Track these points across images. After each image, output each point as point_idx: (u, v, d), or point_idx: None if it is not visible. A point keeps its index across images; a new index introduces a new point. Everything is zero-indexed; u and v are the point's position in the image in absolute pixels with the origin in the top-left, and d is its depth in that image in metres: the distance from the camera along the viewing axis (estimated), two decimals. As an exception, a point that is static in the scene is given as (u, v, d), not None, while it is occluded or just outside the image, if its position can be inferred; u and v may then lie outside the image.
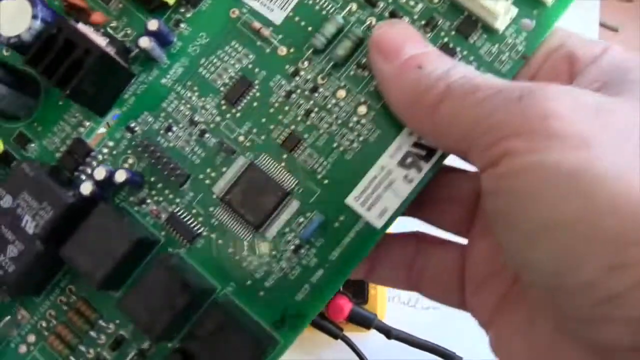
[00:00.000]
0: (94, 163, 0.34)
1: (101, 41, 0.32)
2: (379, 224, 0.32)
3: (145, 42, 0.33)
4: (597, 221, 0.21)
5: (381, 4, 0.34)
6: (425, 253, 0.36)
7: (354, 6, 0.34)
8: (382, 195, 0.32)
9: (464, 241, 0.35)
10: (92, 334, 0.34)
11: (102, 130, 0.35)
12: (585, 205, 0.21)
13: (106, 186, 0.33)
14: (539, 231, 0.23)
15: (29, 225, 0.32)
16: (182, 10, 0.35)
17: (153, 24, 0.33)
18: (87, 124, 0.35)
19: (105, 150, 0.35)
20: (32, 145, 0.35)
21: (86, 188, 0.32)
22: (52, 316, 0.34)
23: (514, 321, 0.30)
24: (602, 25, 0.60)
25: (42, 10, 0.32)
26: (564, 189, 0.22)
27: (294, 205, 0.33)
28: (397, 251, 0.36)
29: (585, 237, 0.21)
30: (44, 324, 0.34)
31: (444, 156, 0.32)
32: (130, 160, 0.34)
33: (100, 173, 0.33)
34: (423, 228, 0.37)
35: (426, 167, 0.32)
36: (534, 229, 0.23)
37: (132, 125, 0.34)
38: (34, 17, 0.32)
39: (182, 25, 0.35)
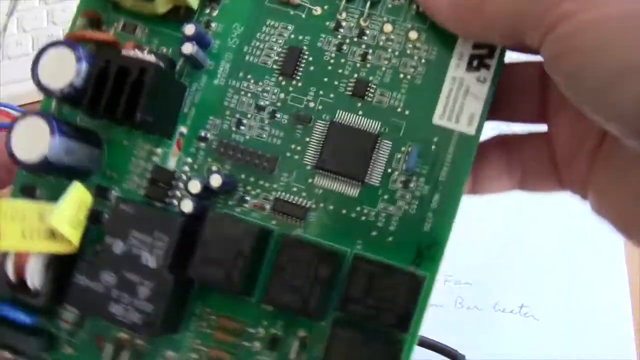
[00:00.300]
0: (181, 184, 0.34)
1: (151, 58, 0.32)
2: (471, 130, 0.32)
3: (188, 48, 0.33)
4: None
5: None
6: (515, 151, 0.36)
7: (366, -55, 0.34)
8: (463, 103, 0.32)
9: (544, 127, 0.36)
10: (246, 344, 0.33)
11: (175, 149, 0.34)
12: None
13: (204, 197, 0.33)
14: (616, 77, 0.23)
15: (150, 261, 0.31)
16: (207, 10, 0.35)
17: (189, 29, 0.33)
18: (159, 150, 0.35)
19: (186, 168, 0.34)
20: (114, 192, 0.35)
21: (187, 206, 0.32)
22: (200, 344, 0.34)
23: (608, 175, 0.31)
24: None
25: (83, 52, 0.32)
26: (633, 34, 0.23)
27: (386, 145, 0.33)
28: (491, 159, 0.36)
29: None
30: (195, 356, 0.34)
31: (504, 49, 0.32)
32: (214, 167, 0.34)
33: (195, 186, 0.32)
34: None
35: (493, 62, 0.32)
36: (610, 77, 0.24)
37: (203, 134, 0.34)
38: (78, 59, 0.32)
39: (213, 24, 0.35)
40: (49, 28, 0.70)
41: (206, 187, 0.32)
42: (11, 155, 0.31)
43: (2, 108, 0.53)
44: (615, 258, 0.65)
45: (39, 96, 0.33)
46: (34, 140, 0.31)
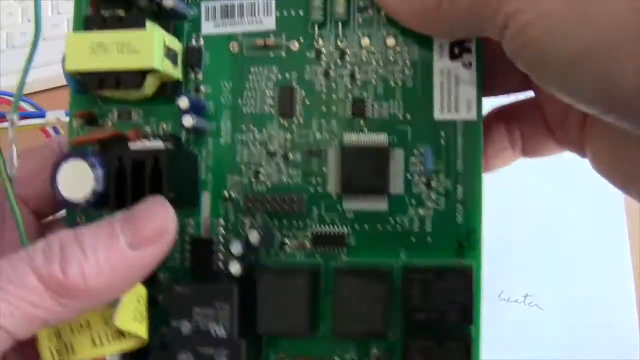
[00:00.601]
0: (221, 247, 0.35)
1: (158, 144, 0.33)
2: (472, 115, 0.34)
3: (188, 120, 0.34)
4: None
5: (340, -49, 0.35)
6: (513, 121, 0.38)
7: (320, -31, 0.35)
8: (457, 92, 0.34)
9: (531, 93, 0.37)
10: (327, 378, 0.35)
11: (205, 216, 0.36)
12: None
13: (248, 254, 0.34)
14: (572, 64, 0.25)
15: (219, 331, 0.33)
16: (192, 76, 0.36)
17: (184, 102, 0.34)
18: (190, 221, 0.36)
19: (221, 230, 0.36)
20: (160, 275, 0.36)
21: (235, 268, 0.34)
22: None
23: (599, 135, 0.33)
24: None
25: (95, 159, 0.33)
26: (579, 22, 0.24)
27: (398, 153, 0.34)
28: (493, 134, 0.38)
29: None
30: (282, 398, 0.35)
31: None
32: (247, 222, 0.35)
33: (236, 248, 0.34)
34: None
35: (472, 45, 0.33)
36: (567, 64, 0.25)
37: (226, 194, 0.36)
38: (93, 166, 0.33)
39: (202, 87, 0.36)
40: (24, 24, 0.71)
41: (247, 245, 0.34)
42: (62, 199, 0.33)
43: (4, 96, 0.54)
44: (619, 247, 0.65)
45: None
46: (78, 181, 0.33)
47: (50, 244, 0.29)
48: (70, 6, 0.62)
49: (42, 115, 0.52)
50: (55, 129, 0.55)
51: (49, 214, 0.39)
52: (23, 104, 0.53)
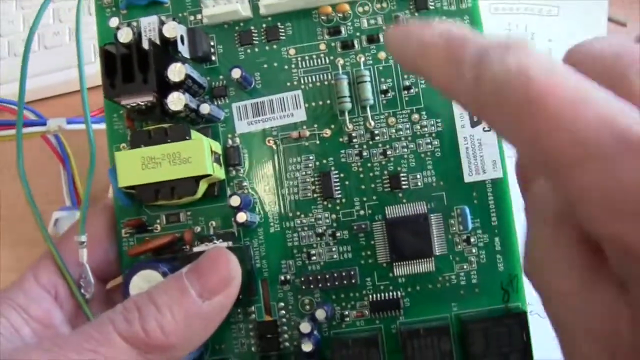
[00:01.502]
0: (286, 328, 0.38)
1: (221, 244, 0.36)
2: (499, 174, 0.38)
3: (242, 217, 0.37)
4: None
5: (355, 41, 0.38)
6: None
7: (339, 60, 0.38)
8: (482, 155, 0.38)
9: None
10: None
11: (265, 301, 0.38)
12: None
13: (316, 330, 0.37)
14: None
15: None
16: (234, 173, 0.39)
17: (235, 200, 0.37)
18: (252, 309, 0.38)
19: (283, 313, 0.38)
20: (231, 360, 0.38)
21: (307, 346, 0.36)
22: None
23: None
24: (611, 19, 0.60)
25: (163, 265, 0.35)
26: None
27: (438, 217, 0.38)
28: None
29: None
30: None
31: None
32: (307, 301, 0.38)
33: (306, 327, 0.36)
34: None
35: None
36: None
37: (283, 278, 0.38)
38: (164, 274, 0.35)
39: (245, 183, 0.39)
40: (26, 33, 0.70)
41: (314, 322, 0.36)
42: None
43: (5, 104, 0.54)
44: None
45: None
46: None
47: (128, 307, 0.31)
48: (71, 15, 0.63)
49: (44, 123, 0.52)
50: (56, 137, 0.55)
51: (113, 277, 0.40)
52: (24, 112, 0.53)
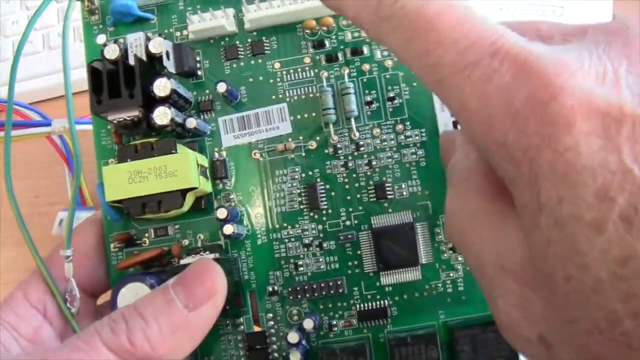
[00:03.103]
0: (274, 339, 0.38)
1: (208, 255, 0.36)
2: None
3: (228, 229, 0.37)
4: None
5: (339, 54, 0.39)
6: None
7: (324, 72, 0.39)
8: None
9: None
10: None
11: (254, 312, 0.38)
12: None
13: (304, 340, 0.37)
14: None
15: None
16: (221, 186, 0.39)
17: (222, 213, 0.37)
18: (241, 320, 0.38)
19: (271, 323, 0.38)
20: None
21: (295, 357, 0.36)
22: None
23: None
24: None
25: (151, 277, 0.35)
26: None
27: (423, 226, 0.38)
28: None
29: None
30: None
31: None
32: (295, 311, 0.38)
33: (293, 337, 0.37)
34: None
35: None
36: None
37: (270, 289, 0.38)
38: (151, 287, 0.35)
39: (232, 196, 0.39)
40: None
41: (302, 332, 0.37)
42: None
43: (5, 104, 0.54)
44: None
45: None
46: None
47: (114, 318, 0.31)
48: (76, 15, 0.63)
49: (48, 124, 0.52)
50: (61, 137, 0.55)
51: (103, 292, 0.41)
52: (29, 113, 0.53)
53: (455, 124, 0.38)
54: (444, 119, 0.38)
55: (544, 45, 0.22)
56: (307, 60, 0.39)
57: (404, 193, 0.38)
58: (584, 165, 0.19)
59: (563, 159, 0.19)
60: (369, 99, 0.39)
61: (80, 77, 0.38)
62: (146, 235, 0.39)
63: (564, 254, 0.20)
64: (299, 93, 0.39)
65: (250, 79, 0.40)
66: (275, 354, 0.38)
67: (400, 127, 0.38)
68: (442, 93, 0.24)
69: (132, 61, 0.37)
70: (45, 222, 0.55)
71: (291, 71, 0.39)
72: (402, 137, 0.38)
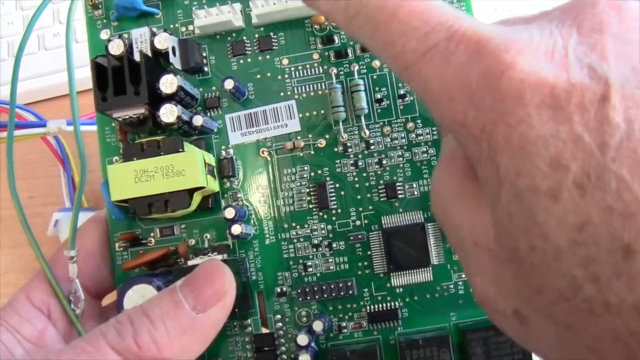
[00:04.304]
0: (283, 340, 0.37)
1: (216, 256, 0.35)
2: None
3: (236, 229, 0.36)
4: None
5: (349, 50, 0.38)
6: None
7: (333, 69, 0.38)
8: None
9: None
10: None
11: (262, 313, 0.38)
12: None
13: (313, 342, 0.36)
14: None
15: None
16: (228, 185, 0.38)
17: (230, 212, 0.36)
18: (249, 321, 0.38)
19: (280, 325, 0.38)
20: (224, 376, 0.38)
21: (305, 359, 0.36)
22: None
23: None
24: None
25: (157, 279, 0.35)
26: None
27: (435, 226, 0.37)
28: None
29: None
30: None
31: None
32: (304, 313, 0.38)
33: (303, 339, 0.36)
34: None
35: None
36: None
37: (279, 290, 0.38)
38: (158, 288, 0.34)
39: (239, 195, 0.38)
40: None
41: (311, 334, 0.36)
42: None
43: (4, 105, 0.54)
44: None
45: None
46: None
47: (121, 320, 0.31)
48: (76, 15, 0.62)
49: (43, 125, 0.52)
50: (56, 138, 0.55)
51: (108, 292, 0.40)
52: (24, 113, 0.53)
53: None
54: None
55: (497, 26, 0.23)
56: (315, 56, 0.39)
57: (415, 192, 0.37)
58: (537, 135, 0.20)
59: (517, 132, 0.20)
60: (379, 96, 0.38)
61: (78, 77, 0.37)
62: (152, 234, 0.38)
63: (525, 225, 0.20)
64: (308, 90, 0.38)
65: (258, 76, 0.39)
66: (284, 356, 0.37)
67: (411, 125, 0.38)
68: (409, 79, 0.25)
69: (137, 57, 0.36)
70: (40, 222, 0.55)
71: (300, 67, 0.39)
72: (413, 135, 0.38)
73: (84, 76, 0.38)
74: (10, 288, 0.56)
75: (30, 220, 0.36)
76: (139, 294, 0.35)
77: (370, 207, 0.37)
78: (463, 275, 0.37)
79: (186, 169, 0.35)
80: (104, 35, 0.40)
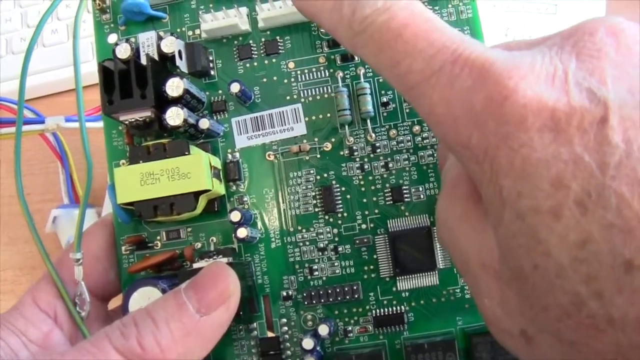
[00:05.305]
0: (288, 344, 0.37)
1: (222, 259, 0.35)
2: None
3: (242, 232, 0.36)
4: None
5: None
6: None
7: (339, 72, 0.38)
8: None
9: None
10: None
11: (267, 317, 0.37)
12: None
13: (319, 346, 0.36)
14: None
15: None
16: (234, 188, 0.38)
17: (235, 215, 0.36)
18: (254, 325, 0.38)
19: (285, 329, 0.37)
20: (232, 379, 0.38)
21: (310, 363, 0.35)
22: None
23: None
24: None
25: (163, 282, 0.35)
26: None
27: (441, 230, 0.37)
28: None
29: None
30: None
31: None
32: (310, 317, 0.37)
33: (308, 343, 0.36)
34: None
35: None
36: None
37: (285, 294, 0.38)
38: (163, 291, 0.34)
39: (245, 198, 0.38)
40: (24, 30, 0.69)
41: (316, 337, 0.36)
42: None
43: (4, 103, 0.54)
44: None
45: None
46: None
47: (125, 322, 0.31)
48: (70, 12, 0.62)
49: (42, 121, 0.52)
50: (54, 135, 0.55)
51: (114, 296, 0.40)
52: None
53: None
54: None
55: (501, 51, 0.23)
56: (322, 59, 0.39)
57: (421, 196, 0.37)
58: (539, 158, 0.20)
59: (519, 154, 0.21)
60: (385, 99, 0.38)
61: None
62: (158, 238, 0.38)
63: (528, 244, 0.21)
64: (314, 93, 0.38)
65: (264, 79, 0.39)
66: (289, 360, 0.37)
67: (417, 128, 0.38)
68: (413, 100, 0.25)
69: (144, 61, 0.36)
70: (38, 219, 0.55)
71: (306, 71, 0.39)
72: (419, 138, 0.38)
73: (86, 72, 0.38)
74: (9, 285, 0.57)
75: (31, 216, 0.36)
76: (144, 297, 0.35)
77: (376, 211, 0.37)
78: (469, 280, 0.37)
79: (192, 172, 0.35)
80: (112, 39, 0.40)
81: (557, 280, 0.20)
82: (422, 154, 0.37)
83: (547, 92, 0.21)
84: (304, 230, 0.38)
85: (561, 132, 0.20)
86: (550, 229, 0.20)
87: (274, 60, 0.39)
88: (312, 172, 0.38)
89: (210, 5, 0.40)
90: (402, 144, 0.38)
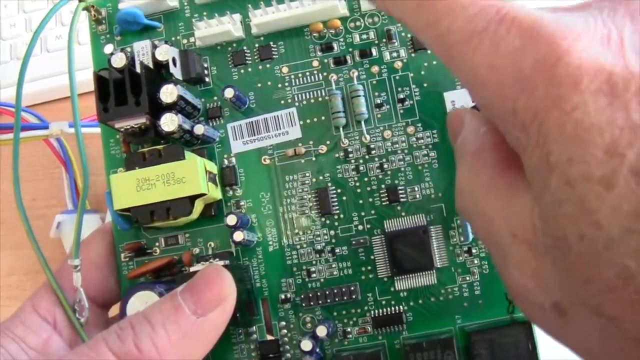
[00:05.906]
0: (288, 347, 0.37)
1: (218, 262, 0.35)
2: (497, 182, 0.37)
3: (239, 235, 0.36)
4: None
5: (348, 56, 0.38)
6: None
7: (333, 76, 0.38)
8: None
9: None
10: None
11: (266, 320, 0.38)
12: None
13: (318, 348, 0.36)
14: None
15: None
16: (231, 193, 0.38)
17: (232, 219, 0.36)
18: (254, 329, 0.38)
19: (284, 332, 0.38)
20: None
21: (308, 365, 0.35)
22: None
23: None
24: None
25: (160, 286, 0.35)
26: None
27: (438, 229, 0.37)
28: None
29: None
30: None
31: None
32: (308, 319, 0.38)
33: (307, 345, 0.36)
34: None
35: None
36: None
37: (283, 297, 0.38)
38: (160, 295, 0.35)
39: (242, 202, 0.38)
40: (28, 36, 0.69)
41: (315, 339, 0.36)
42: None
43: (6, 108, 0.54)
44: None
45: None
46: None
47: (122, 326, 0.31)
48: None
49: (46, 127, 0.52)
50: (58, 140, 0.56)
51: (114, 303, 0.40)
52: (26, 116, 0.53)
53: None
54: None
55: (550, 13, 0.22)
56: (315, 63, 0.39)
57: (417, 196, 0.37)
58: (592, 123, 0.19)
59: (571, 118, 0.20)
60: (379, 101, 0.38)
61: (80, 79, 0.37)
62: (157, 244, 0.39)
63: (575, 213, 0.20)
64: (308, 97, 0.39)
65: (259, 84, 0.39)
66: (289, 363, 0.37)
67: (411, 129, 0.38)
68: (451, 62, 0.24)
69: (138, 68, 0.36)
70: (42, 225, 0.55)
71: (299, 75, 0.39)
72: (414, 139, 0.38)
73: (85, 78, 0.38)
74: (13, 290, 0.57)
75: (33, 223, 0.36)
76: (141, 301, 0.35)
77: (373, 212, 0.37)
78: (467, 278, 0.37)
79: (187, 176, 0.35)
80: (108, 49, 0.40)
81: (605, 252, 0.19)
82: (417, 154, 0.37)
83: (603, 55, 0.20)
84: (300, 233, 0.38)
85: (617, 97, 0.19)
86: (602, 199, 0.19)
87: (268, 65, 0.39)
88: (307, 175, 0.38)
89: (204, 13, 0.40)
90: (397, 145, 0.38)
